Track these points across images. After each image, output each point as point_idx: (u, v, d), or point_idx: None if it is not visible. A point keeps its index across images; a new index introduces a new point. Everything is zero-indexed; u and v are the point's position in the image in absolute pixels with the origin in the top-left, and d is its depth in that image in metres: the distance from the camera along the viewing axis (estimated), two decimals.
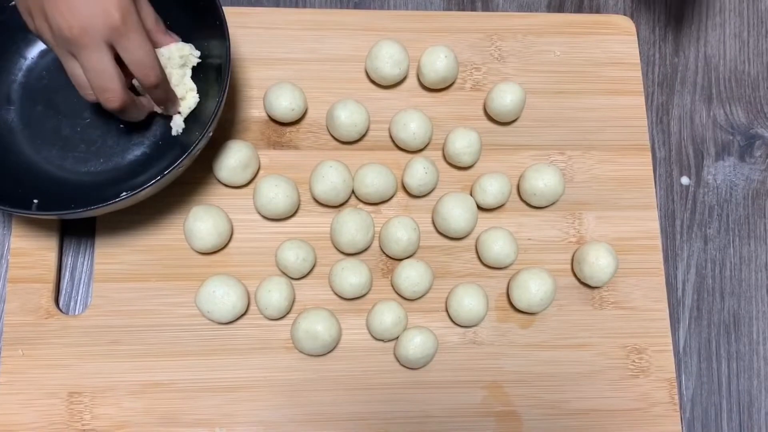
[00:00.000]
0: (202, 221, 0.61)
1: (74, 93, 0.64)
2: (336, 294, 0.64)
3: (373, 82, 0.70)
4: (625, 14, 0.76)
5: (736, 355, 0.68)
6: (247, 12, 0.70)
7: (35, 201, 0.58)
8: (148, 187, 0.55)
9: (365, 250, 0.65)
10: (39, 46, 0.65)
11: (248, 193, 0.65)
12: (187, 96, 0.62)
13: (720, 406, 0.67)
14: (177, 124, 0.62)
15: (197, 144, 0.56)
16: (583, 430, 0.63)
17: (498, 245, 0.64)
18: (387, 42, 0.67)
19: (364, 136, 0.68)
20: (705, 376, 0.68)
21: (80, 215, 0.56)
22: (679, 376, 0.67)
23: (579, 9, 0.77)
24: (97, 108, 0.64)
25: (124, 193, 0.55)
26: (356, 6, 0.74)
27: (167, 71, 0.60)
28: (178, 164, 0.56)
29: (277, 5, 0.73)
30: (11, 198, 0.57)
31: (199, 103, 0.63)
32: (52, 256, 0.63)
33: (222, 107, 0.58)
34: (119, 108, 0.55)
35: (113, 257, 0.63)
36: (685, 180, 0.72)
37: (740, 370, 0.68)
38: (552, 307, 0.66)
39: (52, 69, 0.65)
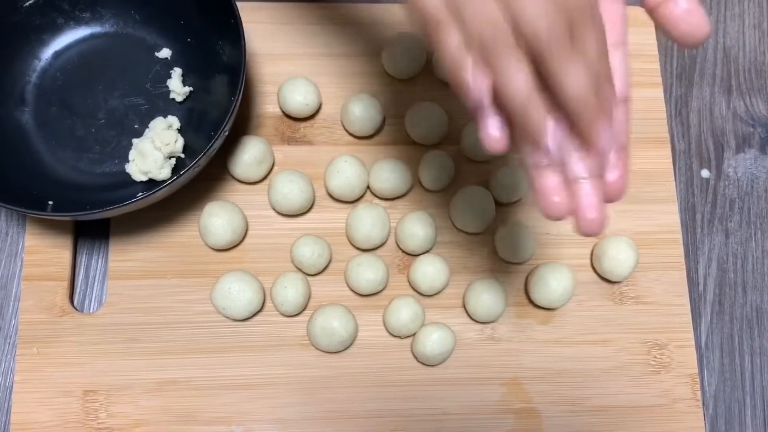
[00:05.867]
0: (216, 217, 0.61)
1: (89, 94, 0.65)
2: (352, 290, 0.63)
3: (388, 75, 0.69)
4: (641, 6, 0.75)
5: (759, 350, 0.67)
6: (259, 7, 0.70)
7: (50, 202, 0.58)
8: (163, 188, 0.55)
9: (381, 245, 0.65)
10: (53, 47, 0.65)
11: (263, 189, 0.65)
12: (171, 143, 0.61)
13: (743, 402, 0.66)
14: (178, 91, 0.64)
15: (213, 144, 0.56)
16: (604, 426, 0.62)
17: (516, 240, 0.63)
18: (406, 35, 0.67)
19: (379, 130, 0.68)
20: (728, 371, 0.66)
21: (95, 216, 0.56)
22: (701, 371, 0.66)
23: None
24: (111, 109, 0.64)
25: (141, 194, 0.55)
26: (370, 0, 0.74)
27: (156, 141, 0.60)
28: (194, 164, 0.56)
29: None
30: (26, 199, 0.56)
31: (214, 101, 0.62)
32: (66, 254, 0.63)
33: (237, 106, 0.57)
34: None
35: (128, 254, 0.63)
36: (705, 173, 0.71)
37: (764, 366, 0.67)
38: (571, 302, 0.64)
39: (67, 70, 0.65)
